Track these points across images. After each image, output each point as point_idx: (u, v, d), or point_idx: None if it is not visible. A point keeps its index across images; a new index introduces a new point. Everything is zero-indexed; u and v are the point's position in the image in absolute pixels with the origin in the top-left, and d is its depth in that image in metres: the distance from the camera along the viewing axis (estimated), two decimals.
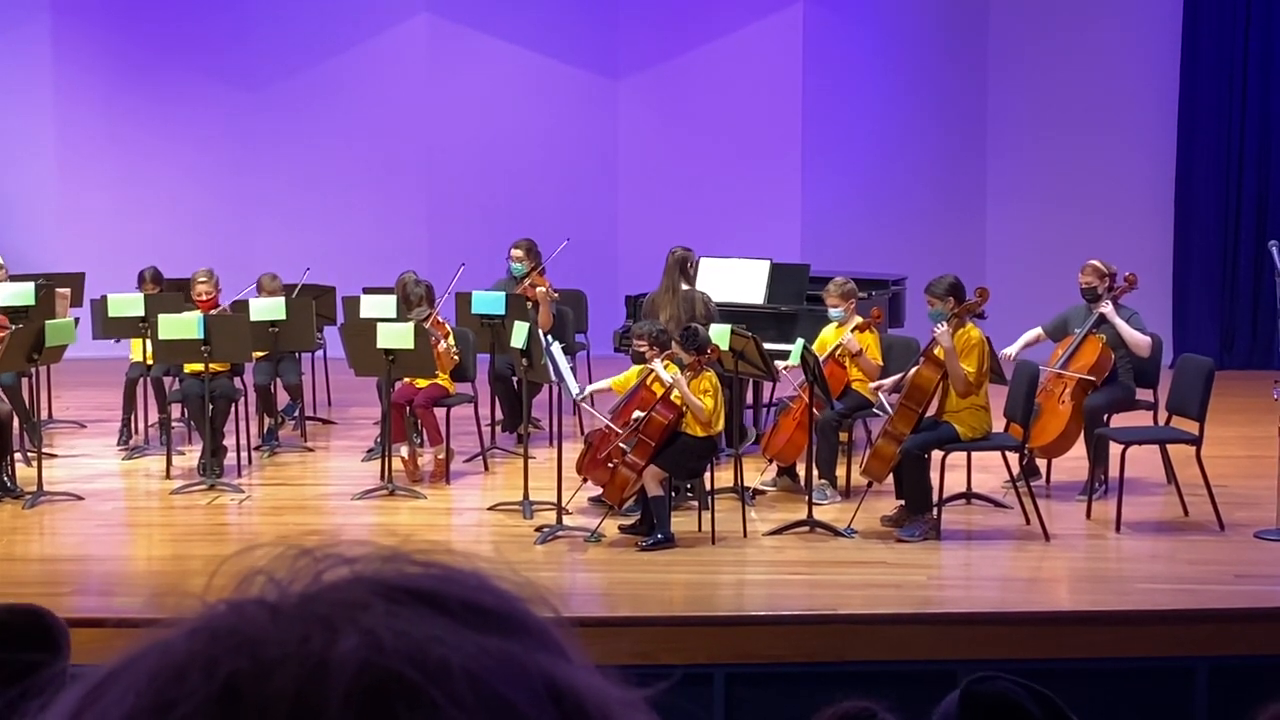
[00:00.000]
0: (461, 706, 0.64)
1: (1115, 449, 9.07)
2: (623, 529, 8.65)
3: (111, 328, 10.61)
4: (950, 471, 8.80)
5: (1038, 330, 9.84)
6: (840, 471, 9.55)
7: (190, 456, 10.32)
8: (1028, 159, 14.99)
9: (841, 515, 8.92)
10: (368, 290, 11.34)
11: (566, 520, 8.70)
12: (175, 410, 10.66)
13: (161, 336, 9.70)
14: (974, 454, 9.04)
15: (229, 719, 0.63)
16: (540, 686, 0.67)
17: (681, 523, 8.70)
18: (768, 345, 9.37)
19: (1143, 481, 9.48)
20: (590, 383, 9.79)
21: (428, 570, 0.71)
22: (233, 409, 10.16)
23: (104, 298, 10.66)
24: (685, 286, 10.07)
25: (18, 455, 9.87)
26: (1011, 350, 9.57)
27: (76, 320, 10.36)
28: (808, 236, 14.61)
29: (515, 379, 10.40)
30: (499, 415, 11.14)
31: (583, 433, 10.01)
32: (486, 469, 10.33)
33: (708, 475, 8.85)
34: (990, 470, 9.28)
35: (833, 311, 9.60)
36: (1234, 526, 8.70)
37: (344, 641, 0.65)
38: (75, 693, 0.68)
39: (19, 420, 10.08)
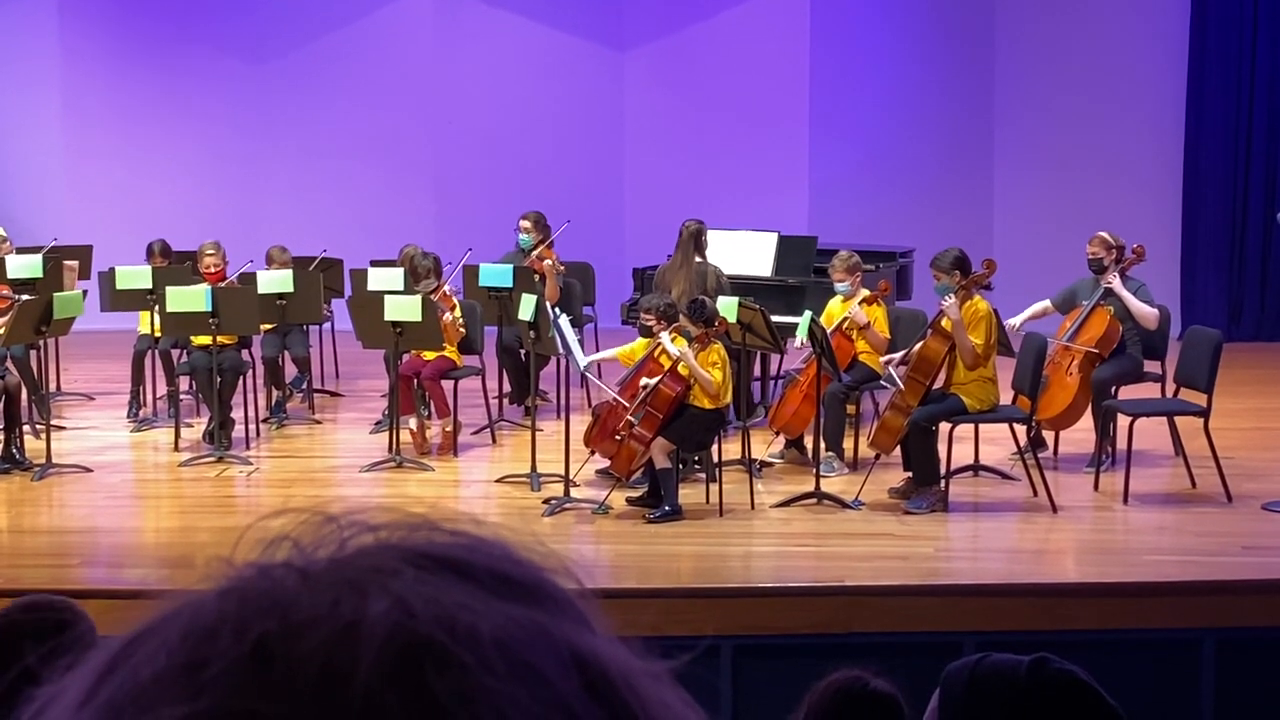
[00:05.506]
0: (491, 671, 0.65)
1: (1123, 421, 9.08)
2: (630, 501, 8.67)
3: (119, 300, 10.61)
4: (958, 443, 8.81)
5: (1045, 303, 9.81)
6: (848, 443, 9.56)
7: (199, 429, 10.34)
8: (1035, 130, 14.95)
9: (849, 487, 8.93)
10: (375, 263, 11.33)
11: (574, 492, 8.72)
12: (183, 383, 10.69)
13: (169, 309, 9.71)
14: (981, 426, 9.05)
15: (260, 679, 0.64)
16: (566, 654, 0.68)
17: (689, 495, 8.71)
18: (775, 318, 9.37)
19: (1150, 453, 9.48)
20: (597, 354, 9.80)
21: (454, 539, 0.72)
22: (240, 381, 10.17)
23: (112, 270, 10.67)
24: (698, 259, 10.05)
25: (26, 427, 9.89)
26: (1016, 320, 9.55)
27: (84, 292, 10.36)
28: (815, 208, 14.61)
29: (523, 351, 10.40)
30: (506, 388, 11.16)
31: (590, 405, 10.01)
32: (494, 441, 10.34)
33: (715, 447, 8.85)
34: (997, 442, 9.28)
35: (838, 286, 9.60)
36: (1241, 498, 8.70)
37: (374, 605, 0.66)
38: (106, 650, 0.68)
39: (27, 392, 10.10)
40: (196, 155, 15.07)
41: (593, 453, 8.91)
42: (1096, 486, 9.04)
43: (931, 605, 7.31)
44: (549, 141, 15.01)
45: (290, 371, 11.26)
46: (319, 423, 11.04)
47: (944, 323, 8.66)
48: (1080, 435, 9.53)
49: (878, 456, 9.06)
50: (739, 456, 9.24)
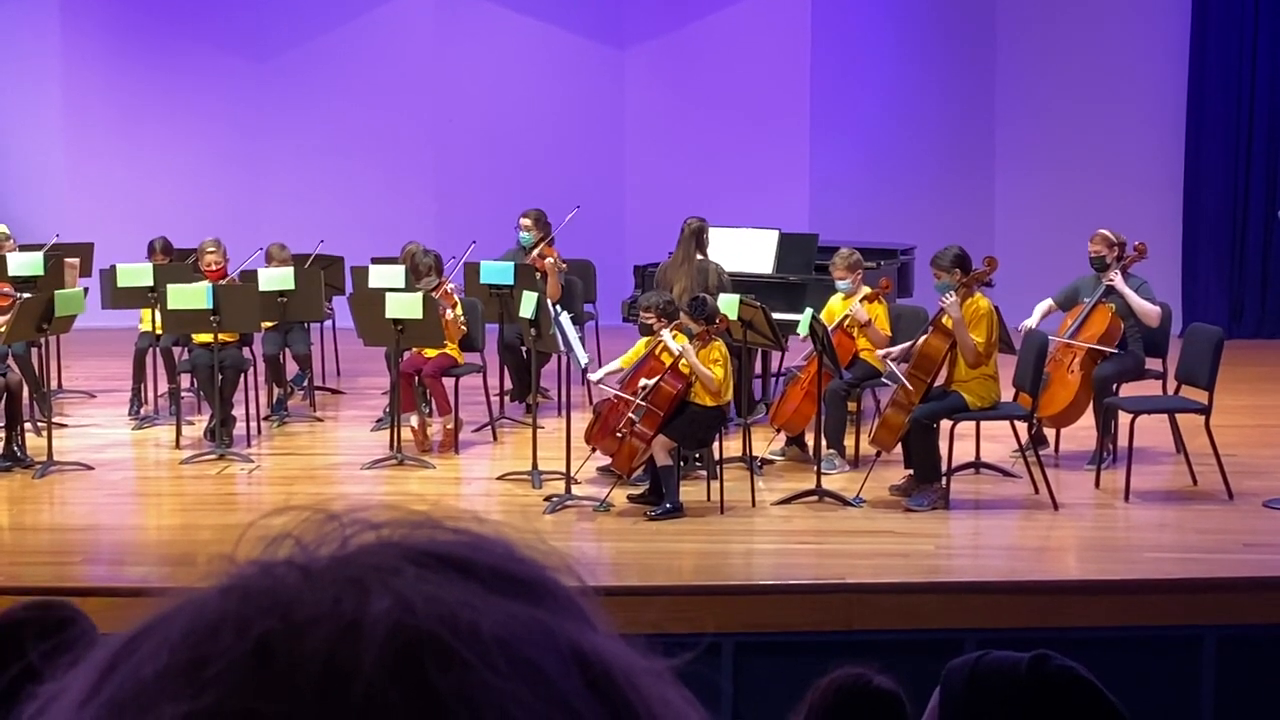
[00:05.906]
0: (492, 669, 0.65)
1: (1124, 418, 9.07)
2: (631, 498, 8.66)
3: (120, 298, 10.60)
4: (959, 441, 8.81)
5: (1049, 302, 9.80)
6: (849, 441, 9.56)
7: (200, 426, 10.34)
8: (1036, 127, 14.95)
9: (850, 484, 8.93)
10: (376, 260, 11.35)
11: (575, 490, 8.72)
12: (185, 380, 10.69)
13: (170, 307, 9.71)
14: (983, 423, 9.04)
15: (261, 678, 0.64)
16: (567, 652, 0.68)
17: (690, 492, 8.71)
18: (776, 315, 9.37)
19: (1151, 451, 9.48)
20: (598, 355, 9.81)
21: (456, 537, 0.72)
22: (242, 379, 10.17)
23: (113, 268, 10.67)
24: (699, 257, 10.05)
25: (28, 425, 9.89)
26: (1031, 322, 9.53)
27: (86, 290, 10.36)
28: (816, 206, 14.60)
29: (524, 349, 10.40)
30: (508, 385, 11.15)
31: (591, 403, 10.01)
32: (495, 439, 10.34)
33: (716, 445, 8.85)
34: (999, 439, 9.28)
35: (839, 283, 9.60)
36: (1242, 495, 8.70)
37: (376, 603, 0.66)
38: (108, 648, 0.68)
39: (29, 390, 10.10)
40: (197, 153, 15.07)
41: (594, 450, 8.91)
42: (1098, 484, 9.04)
43: (933, 603, 7.31)
44: (549, 139, 15.01)
45: (291, 369, 11.26)
46: (320, 420, 11.04)
47: (945, 320, 8.66)
48: (1081, 432, 9.53)
49: (879, 454, 9.06)
50: (740, 454, 9.23)
